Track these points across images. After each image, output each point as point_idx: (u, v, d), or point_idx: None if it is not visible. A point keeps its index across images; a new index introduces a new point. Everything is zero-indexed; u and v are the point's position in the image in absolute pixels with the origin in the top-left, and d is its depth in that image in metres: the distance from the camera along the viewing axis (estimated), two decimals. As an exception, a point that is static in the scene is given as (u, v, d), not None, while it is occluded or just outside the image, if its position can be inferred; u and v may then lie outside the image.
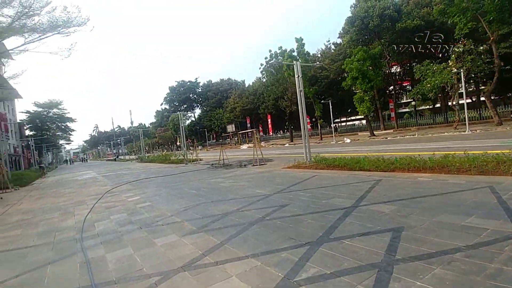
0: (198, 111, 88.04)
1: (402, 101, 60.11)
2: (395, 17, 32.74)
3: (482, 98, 38.66)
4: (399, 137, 24.44)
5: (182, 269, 3.15)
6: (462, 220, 3.56)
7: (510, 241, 2.85)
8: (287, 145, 36.71)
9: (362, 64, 28.52)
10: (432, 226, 3.49)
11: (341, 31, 47.19)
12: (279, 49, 40.06)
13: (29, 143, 46.93)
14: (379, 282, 2.39)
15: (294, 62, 12.13)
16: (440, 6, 23.87)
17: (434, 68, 23.44)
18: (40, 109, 56.76)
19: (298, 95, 12.11)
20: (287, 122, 49.85)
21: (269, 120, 62.59)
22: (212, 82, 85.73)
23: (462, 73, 21.00)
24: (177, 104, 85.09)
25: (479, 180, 5.61)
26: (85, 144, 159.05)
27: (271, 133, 65.03)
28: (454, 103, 24.54)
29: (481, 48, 22.29)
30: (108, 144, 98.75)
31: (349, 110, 56.72)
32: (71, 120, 61.88)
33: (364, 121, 52.73)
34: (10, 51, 21.84)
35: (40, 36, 19.95)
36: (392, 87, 42.63)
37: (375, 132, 32.18)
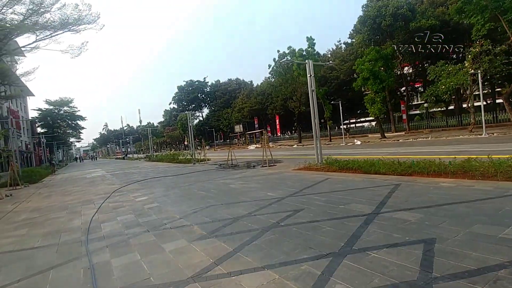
0: (206, 111, 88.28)
1: (413, 103, 59.20)
2: (409, 16, 32.08)
3: (498, 101, 37.78)
4: (411, 139, 23.88)
5: (192, 279, 2.90)
6: (499, 232, 3.23)
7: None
8: (295, 146, 36.34)
9: (373, 65, 28.01)
10: (466, 238, 3.16)
11: (352, 31, 46.67)
12: (288, 49, 39.75)
13: (41, 140, 47.49)
14: (417, 305, 2.09)
15: (306, 61, 11.81)
16: (457, 4, 23.22)
17: (449, 69, 22.79)
18: (51, 107, 57.53)
19: (310, 95, 11.80)
20: (296, 123, 49.49)
21: (277, 121, 62.29)
22: (220, 82, 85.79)
23: (479, 74, 20.36)
24: (185, 103, 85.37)
25: (508, 187, 5.23)
26: (95, 142, 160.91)
27: (279, 134, 64.65)
28: (469, 105, 23.84)
29: (498, 48, 21.54)
30: (117, 143, 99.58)
31: (358, 112, 56.11)
32: (81, 118, 62.56)
33: (373, 123, 52.07)
34: (22, 48, 22.05)
35: (51, 34, 20.07)
36: (403, 88, 41.89)
37: (386, 134, 31.60)
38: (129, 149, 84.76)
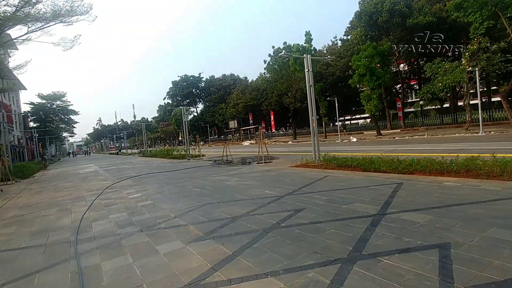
0: (200, 107, 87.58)
1: (407, 101, 59.28)
2: (406, 13, 31.88)
3: (494, 99, 37.95)
4: (407, 137, 23.82)
5: (189, 287, 2.66)
6: (517, 236, 3.04)
7: None
8: (290, 142, 36.18)
9: (370, 61, 27.82)
10: (484, 243, 2.96)
11: (348, 28, 46.48)
12: (283, 45, 39.44)
13: (33, 134, 46.67)
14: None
15: (305, 55, 11.56)
16: (456, 0, 23.04)
17: (446, 67, 22.68)
18: (43, 101, 56.55)
19: (307, 90, 11.58)
20: (291, 119, 49.27)
21: (272, 117, 62.05)
22: (215, 77, 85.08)
23: (477, 72, 20.27)
24: (179, 99, 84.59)
25: (515, 186, 5.07)
26: (88, 137, 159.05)
27: (274, 130, 64.42)
28: (466, 103, 23.79)
29: (495, 46, 21.44)
30: (111, 138, 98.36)
31: (353, 109, 56.10)
32: (74, 112, 61.68)
33: (368, 120, 52.07)
34: (14, 40, 21.54)
35: (43, 25, 19.64)
36: (399, 86, 41.87)
37: (381, 132, 31.56)
38: (123, 144, 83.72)
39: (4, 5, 17.60)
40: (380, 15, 31.67)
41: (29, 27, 19.45)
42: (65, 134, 74.13)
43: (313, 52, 34.90)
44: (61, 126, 63.48)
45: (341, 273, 2.61)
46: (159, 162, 21.79)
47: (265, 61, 43.07)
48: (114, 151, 73.99)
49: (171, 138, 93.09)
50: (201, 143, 46.82)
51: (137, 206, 6.52)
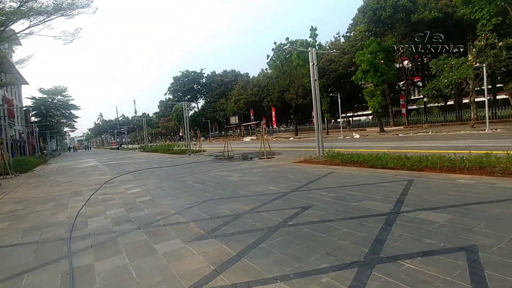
0: (201, 102, 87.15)
1: (410, 98, 58.77)
2: (410, 8, 31.26)
3: (498, 97, 37.51)
4: (411, 134, 23.48)
5: (190, 292, 2.40)
6: (549, 239, 2.76)
7: None
8: (291, 138, 35.87)
9: (374, 57, 27.41)
10: (514, 245, 2.69)
11: (350, 25, 45.98)
12: (286, 40, 38.94)
13: (33, 129, 46.49)
14: None
15: (310, 48, 11.26)
16: None
17: (452, 63, 22.26)
18: (45, 96, 56.31)
19: (312, 84, 11.30)
20: (292, 115, 48.89)
21: (273, 113, 61.58)
22: (216, 73, 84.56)
23: (484, 68, 19.87)
24: (180, 94, 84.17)
25: (535, 184, 4.79)
26: (89, 132, 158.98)
27: (275, 126, 64.02)
28: (471, 100, 23.39)
29: (503, 42, 21.02)
30: (112, 133, 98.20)
31: (355, 105, 55.65)
32: (75, 107, 61.49)
33: (370, 117, 51.66)
34: (17, 35, 21.48)
35: (44, 19, 19.57)
36: (402, 82, 41.40)
37: (384, 128, 31.21)
38: (123, 140, 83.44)
39: (10, 1, 17.76)
40: (383, 10, 31.09)
41: (31, 21, 19.38)
42: (66, 129, 73.94)
43: (317, 47, 34.47)
44: (62, 121, 63.28)
45: (359, 278, 2.34)
46: (160, 157, 21.53)
47: (268, 56, 42.61)
48: (114, 146, 73.82)
49: (172, 134, 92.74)
50: (202, 138, 46.60)
51: (135, 202, 6.26)
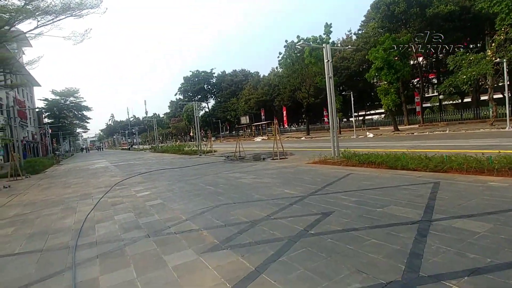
0: (212, 102, 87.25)
1: (424, 96, 57.41)
2: (425, 2, 30.34)
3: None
4: (427, 132, 22.78)
5: (203, 317, 2.11)
6: None
7: None
8: (303, 138, 35.42)
9: (388, 54, 26.70)
10: None
11: (362, 22, 45.12)
12: (297, 38, 38.45)
13: (46, 130, 47.20)
14: None
15: (324, 45, 10.88)
16: None
17: (471, 58, 21.46)
18: (57, 97, 57.10)
19: (327, 81, 10.94)
20: (304, 114, 48.35)
21: (284, 113, 61.06)
22: (226, 73, 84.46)
23: (504, 64, 19.06)
24: (191, 94, 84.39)
25: None
26: (101, 133, 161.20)
27: (286, 126, 63.49)
28: (490, 97, 22.52)
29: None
30: (123, 134, 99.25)
31: (368, 104, 54.68)
32: (88, 108, 62.16)
33: (383, 115, 50.63)
34: (26, 35, 21.56)
35: (52, 19, 19.54)
36: (416, 80, 40.36)
37: (398, 127, 30.46)
38: (134, 140, 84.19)
39: None
40: (397, 5, 30.23)
41: (38, 21, 19.38)
42: (78, 130, 74.92)
43: (331, 45, 33.91)
44: (74, 122, 64.11)
45: (400, 304, 2.00)
46: (170, 157, 21.42)
47: (279, 53, 42.24)
48: (126, 147, 74.59)
49: (183, 134, 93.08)
50: (213, 138, 46.52)
51: (145, 206, 6.02)
